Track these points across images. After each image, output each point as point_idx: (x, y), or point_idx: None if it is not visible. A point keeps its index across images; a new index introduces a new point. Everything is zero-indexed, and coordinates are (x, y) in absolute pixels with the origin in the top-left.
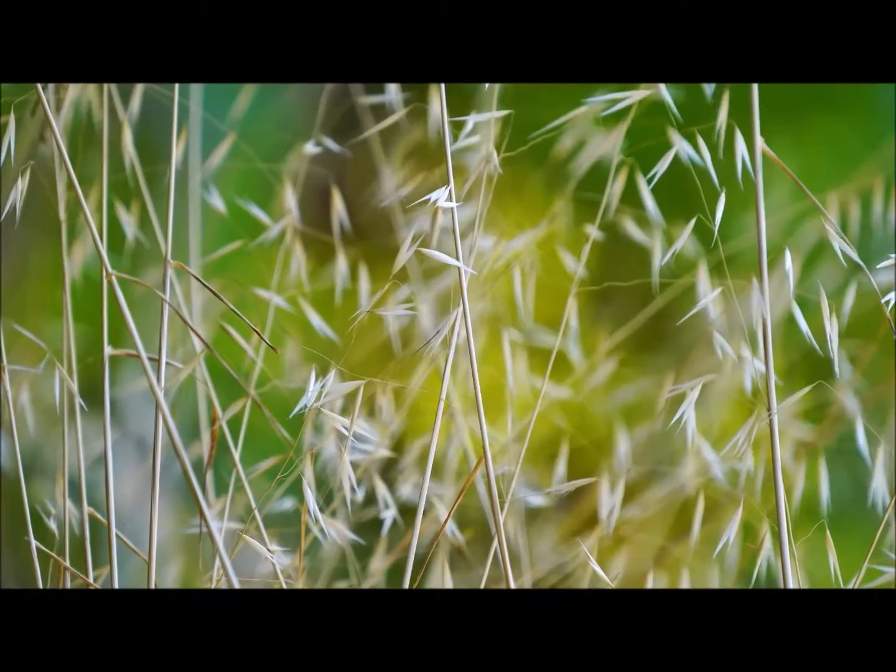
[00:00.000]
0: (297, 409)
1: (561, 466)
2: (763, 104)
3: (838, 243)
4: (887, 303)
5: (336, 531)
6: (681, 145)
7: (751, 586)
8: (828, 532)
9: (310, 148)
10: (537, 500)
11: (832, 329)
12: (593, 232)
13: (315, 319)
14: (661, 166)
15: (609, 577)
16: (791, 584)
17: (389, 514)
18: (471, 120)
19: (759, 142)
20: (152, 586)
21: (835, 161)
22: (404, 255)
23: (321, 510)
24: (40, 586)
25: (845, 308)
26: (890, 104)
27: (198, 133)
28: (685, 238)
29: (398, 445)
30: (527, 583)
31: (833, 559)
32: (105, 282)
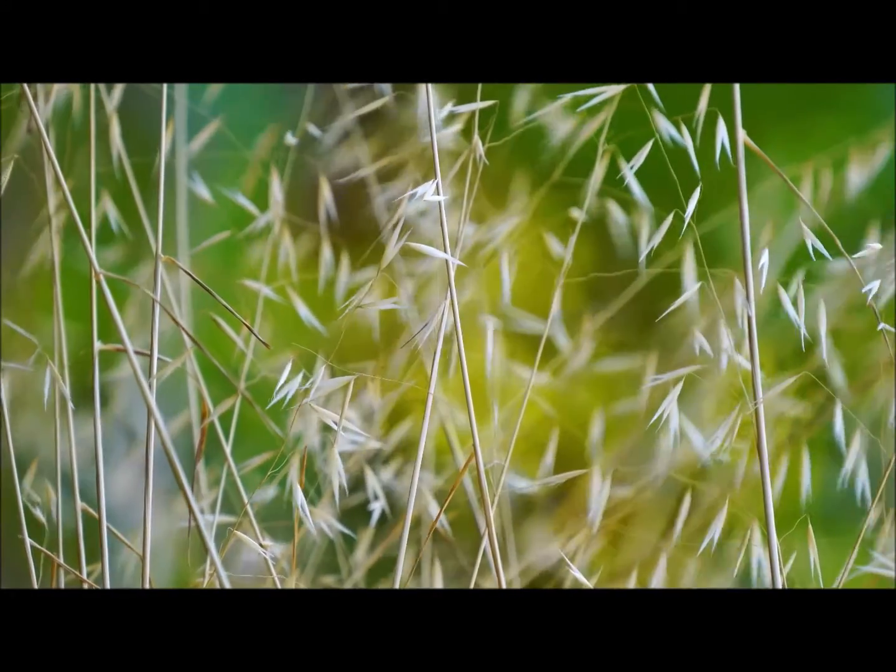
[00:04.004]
0: (274, 401)
1: (549, 457)
2: (762, 104)
3: (811, 240)
4: (869, 292)
5: (325, 524)
6: (666, 130)
7: (733, 577)
8: (810, 528)
9: (289, 139)
10: (525, 486)
11: (822, 319)
12: (576, 213)
13: (303, 310)
14: (640, 157)
15: (599, 571)
16: (778, 578)
17: (378, 506)
18: (455, 110)
19: (742, 134)
20: (146, 583)
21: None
22: (392, 251)
23: (312, 503)
24: (34, 583)
25: (833, 298)
26: (890, 104)
27: (183, 123)
28: (665, 229)
29: (385, 435)
30: (514, 573)
31: (814, 555)
32: (94, 281)
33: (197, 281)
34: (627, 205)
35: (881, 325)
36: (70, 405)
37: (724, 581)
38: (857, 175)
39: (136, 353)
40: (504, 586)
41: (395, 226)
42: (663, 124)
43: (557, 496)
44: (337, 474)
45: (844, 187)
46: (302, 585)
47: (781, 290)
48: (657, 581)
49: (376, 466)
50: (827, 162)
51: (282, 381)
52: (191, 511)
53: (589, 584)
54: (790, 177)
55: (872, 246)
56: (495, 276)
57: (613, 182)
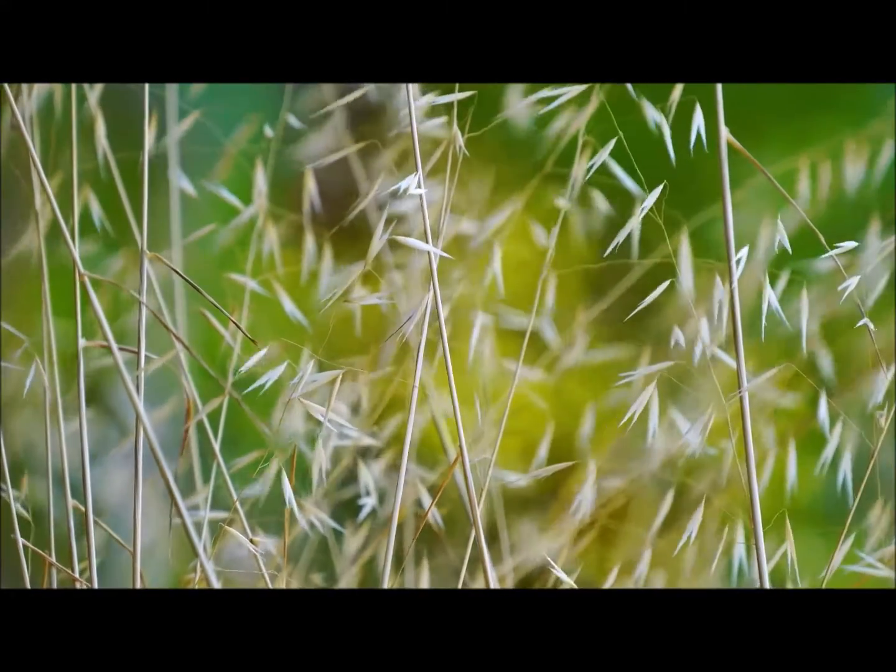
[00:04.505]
0: (251, 387)
1: (542, 450)
2: (762, 104)
3: (781, 236)
4: (846, 289)
5: (317, 519)
6: (652, 118)
7: (711, 575)
8: (787, 522)
9: (267, 131)
10: (514, 479)
11: (804, 312)
12: (562, 203)
13: (288, 304)
14: (605, 153)
15: (579, 568)
16: (765, 576)
17: (369, 501)
18: (435, 101)
19: (724, 132)
20: (137, 579)
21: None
22: (377, 244)
23: (299, 495)
24: (26, 582)
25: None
26: (890, 104)
27: (174, 119)
28: (637, 220)
29: (378, 430)
30: (507, 568)
31: (791, 550)
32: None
33: (184, 278)
34: (618, 196)
35: (863, 321)
36: (60, 402)
37: (711, 579)
38: (855, 168)
39: (123, 349)
40: (492, 584)
41: (381, 219)
42: (651, 113)
43: (553, 493)
44: (326, 469)
45: (842, 180)
46: (294, 580)
47: (767, 284)
48: (642, 578)
49: (369, 461)
50: (823, 155)
51: (263, 378)
52: (176, 508)
53: (573, 584)
54: (788, 170)
55: (844, 245)
56: (488, 270)
57: (606, 173)
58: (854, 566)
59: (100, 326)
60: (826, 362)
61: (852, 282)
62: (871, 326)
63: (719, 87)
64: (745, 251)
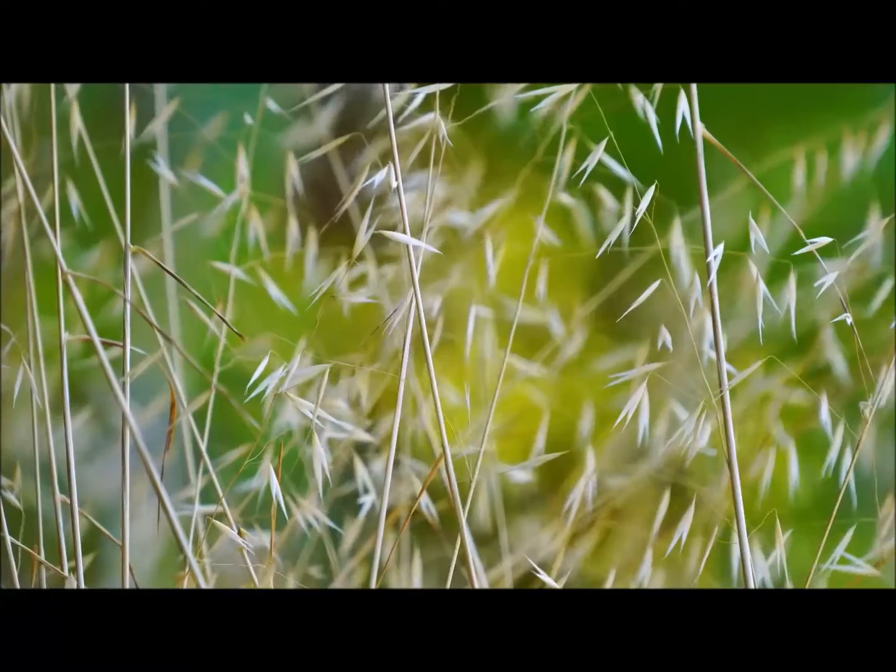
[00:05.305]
0: (253, 394)
1: (539, 441)
2: (764, 104)
3: (755, 234)
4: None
5: (313, 516)
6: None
7: (697, 577)
8: (777, 523)
9: (247, 119)
10: (506, 470)
11: (791, 306)
12: (564, 197)
13: (274, 291)
14: (599, 151)
15: (569, 570)
16: (749, 574)
17: (367, 499)
18: (416, 92)
19: (700, 127)
20: (126, 573)
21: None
22: (363, 238)
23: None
24: (15, 580)
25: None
26: (890, 104)
27: (165, 117)
28: (642, 210)
29: (373, 425)
30: (506, 567)
31: (780, 551)
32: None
33: (169, 272)
34: (610, 185)
35: (843, 315)
36: (46, 399)
37: (711, 579)
38: (853, 158)
39: (107, 343)
40: (476, 583)
41: (366, 211)
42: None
43: (553, 491)
44: (326, 468)
45: (840, 171)
46: (283, 574)
47: (760, 280)
48: (644, 578)
49: (366, 457)
50: (821, 145)
51: (257, 374)
52: (162, 506)
53: (557, 586)
54: (785, 161)
55: (818, 241)
56: (483, 262)
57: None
58: (846, 567)
59: (84, 324)
60: (837, 359)
61: (829, 279)
62: (850, 321)
63: (694, 85)
64: (720, 249)
